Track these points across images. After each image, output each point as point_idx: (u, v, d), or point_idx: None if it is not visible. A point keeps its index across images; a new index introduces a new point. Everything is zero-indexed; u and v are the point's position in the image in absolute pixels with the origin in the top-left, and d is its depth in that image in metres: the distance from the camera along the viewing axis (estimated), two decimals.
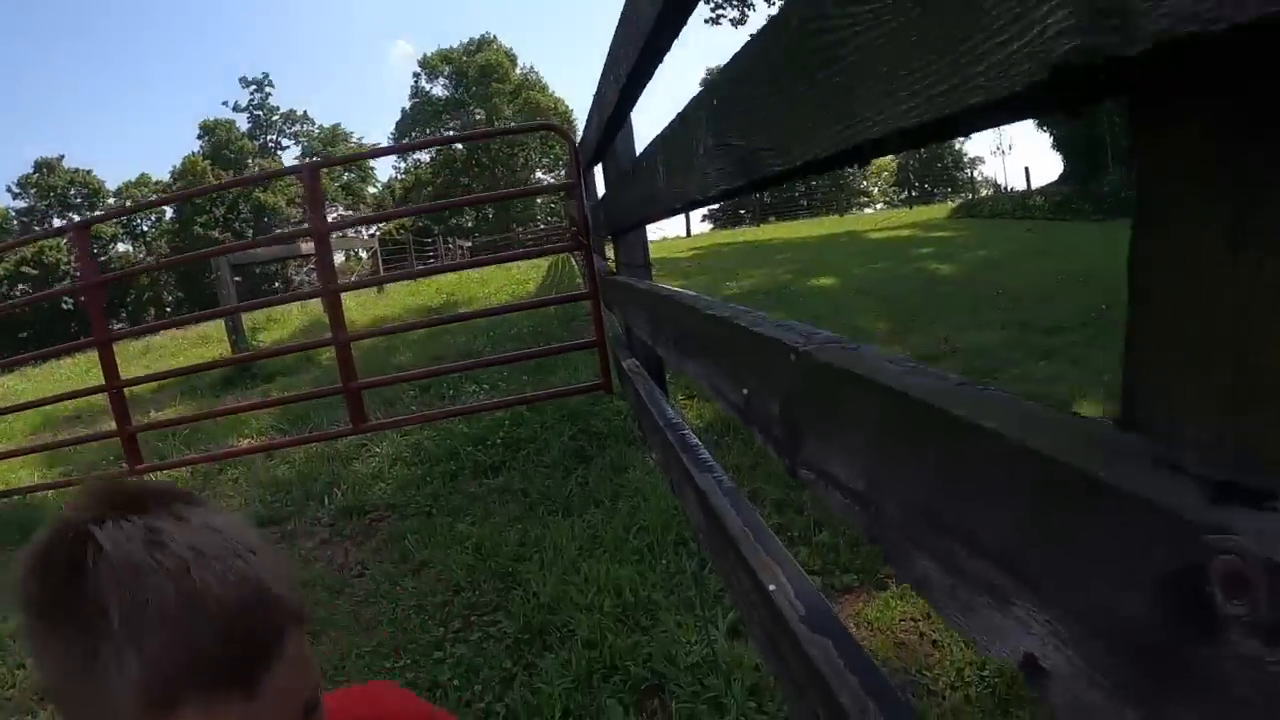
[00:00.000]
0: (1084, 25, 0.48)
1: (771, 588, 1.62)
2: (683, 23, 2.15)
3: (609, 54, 3.04)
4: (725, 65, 1.36)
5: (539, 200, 65.54)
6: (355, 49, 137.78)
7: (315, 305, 11.54)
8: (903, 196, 65.87)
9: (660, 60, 2.53)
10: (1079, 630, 0.55)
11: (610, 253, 5.26)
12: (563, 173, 57.51)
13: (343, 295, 5.21)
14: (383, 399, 6.10)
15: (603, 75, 3.42)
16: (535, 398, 5.23)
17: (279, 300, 7.42)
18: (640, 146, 3.18)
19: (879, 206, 66.48)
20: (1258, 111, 0.43)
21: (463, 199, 32.27)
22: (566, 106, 68.68)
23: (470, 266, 7.35)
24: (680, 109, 1.79)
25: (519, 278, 15.63)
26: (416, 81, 69.67)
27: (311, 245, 5.76)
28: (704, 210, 61.74)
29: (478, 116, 66.48)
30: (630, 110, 3.49)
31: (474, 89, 66.81)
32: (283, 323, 13.57)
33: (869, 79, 0.77)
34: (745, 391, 1.44)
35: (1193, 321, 0.50)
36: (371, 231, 27.96)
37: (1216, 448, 0.49)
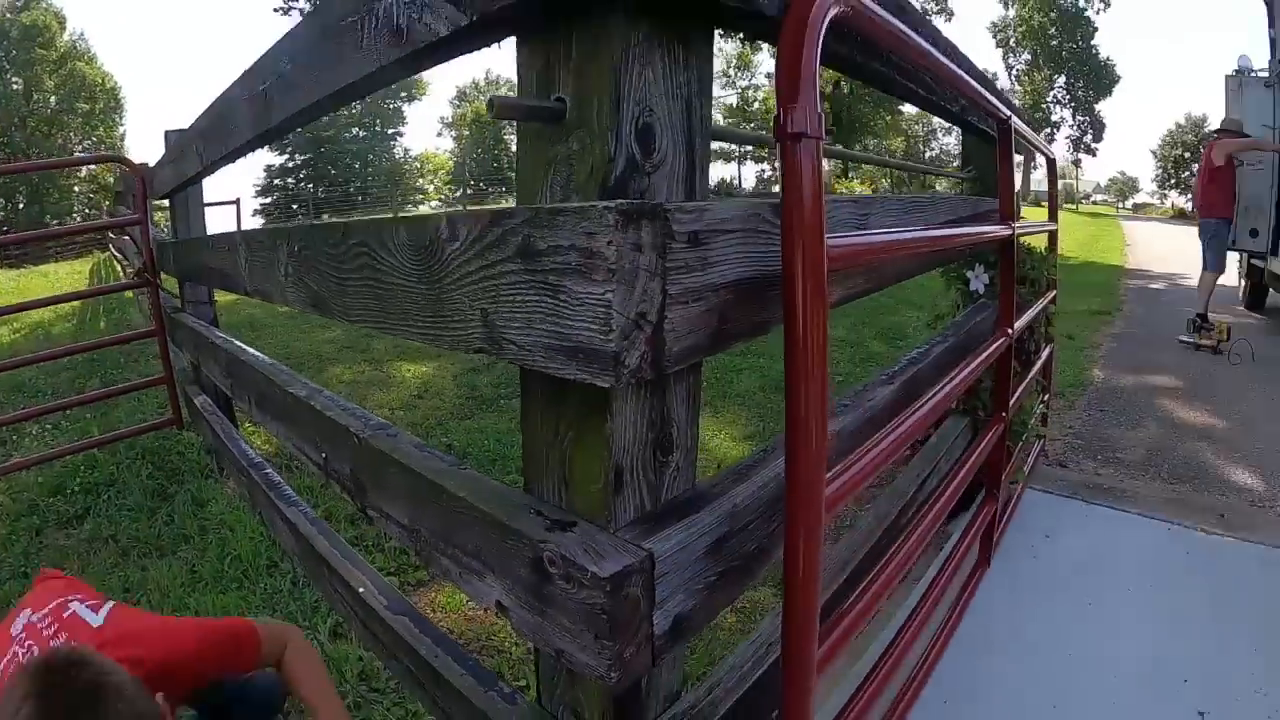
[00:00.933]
0: (487, 339, 1.14)
1: (361, 590, 2.24)
2: (268, 143, 2.62)
3: (199, 123, 3.29)
4: (304, 227, 1.93)
5: (76, 190, 57.97)
6: None
7: None
8: (458, 194, 66.65)
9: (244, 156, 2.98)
10: (513, 586, 1.22)
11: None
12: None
13: None
14: None
15: (187, 136, 3.65)
16: (106, 440, 5.09)
17: None
18: None
19: (434, 204, 66.40)
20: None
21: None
22: (115, 83, 59.55)
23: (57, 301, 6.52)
24: (265, 226, 2.26)
25: (57, 284, 14.24)
26: None
27: None
28: (256, 205, 57.79)
29: (15, 86, 56.64)
30: (209, 175, 3.78)
31: (14, 53, 56.11)
32: None
33: (394, 300, 1.41)
34: (324, 455, 2.02)
35: (544, 455, 1.21)
36: None
37: (555, 505, 1.20)
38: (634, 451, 1.13)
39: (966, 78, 2.09)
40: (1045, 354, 4.05)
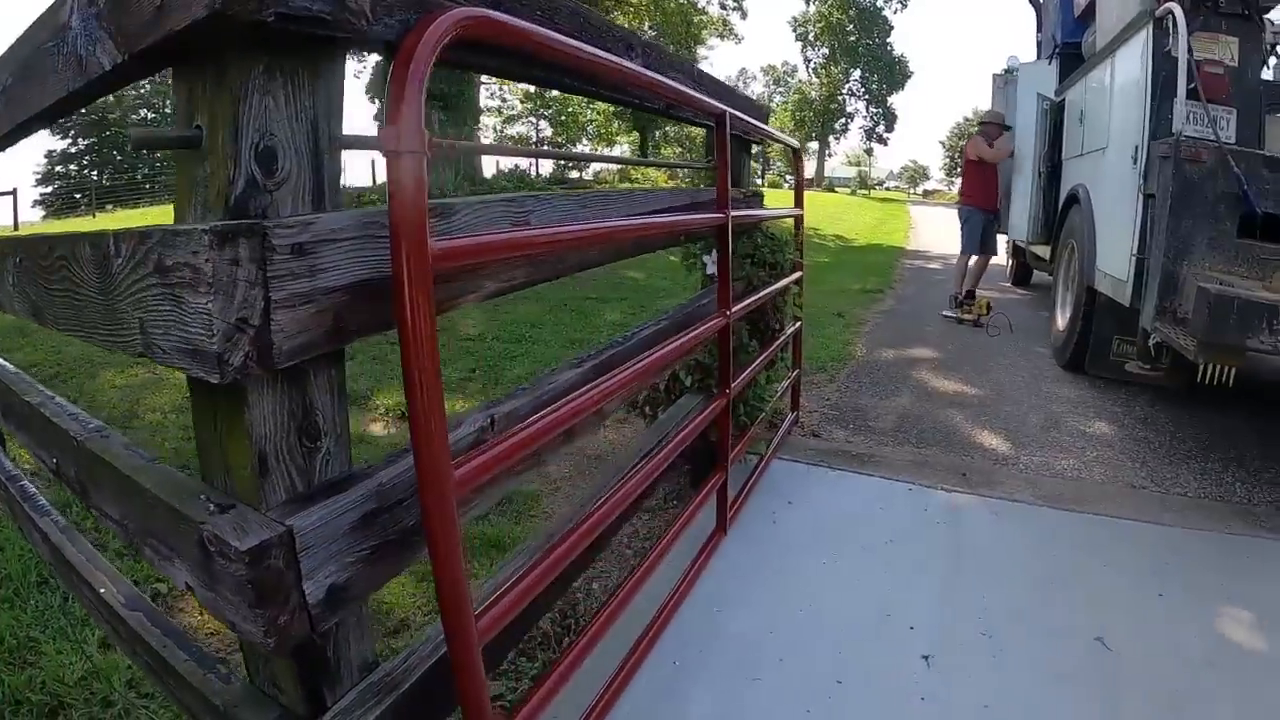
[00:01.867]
0: (145, 345, 1.25)
1: (102, 590, 2.27)
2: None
3: None
4: (27, 238, 1.97)
5: None
6: None
7: None
8: None
9: None
10: (192, 567, 1.31)
11: None
12: None
13: None
14: None
15: None
16: None
17: None
18: None
19: None
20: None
21: None
22: None
23: None
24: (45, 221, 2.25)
25: None
26: None
27: None
28: (36, 195, 53.42)
29: None
30: None
31: None
32: None
33: (86, 310, 1.49)
34: (55, 461, 2.06)
35: (210, 445, 1.32)
36: None
37: (222, 492, 1.31)
38: (277, 439, 1.26)
39: (661, 79, 2.29)
40: (790, 332, 4.37)
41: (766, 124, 3.98)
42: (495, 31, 1.39)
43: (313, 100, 1.24)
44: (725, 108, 2.82)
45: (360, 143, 1.29)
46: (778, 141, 4.33)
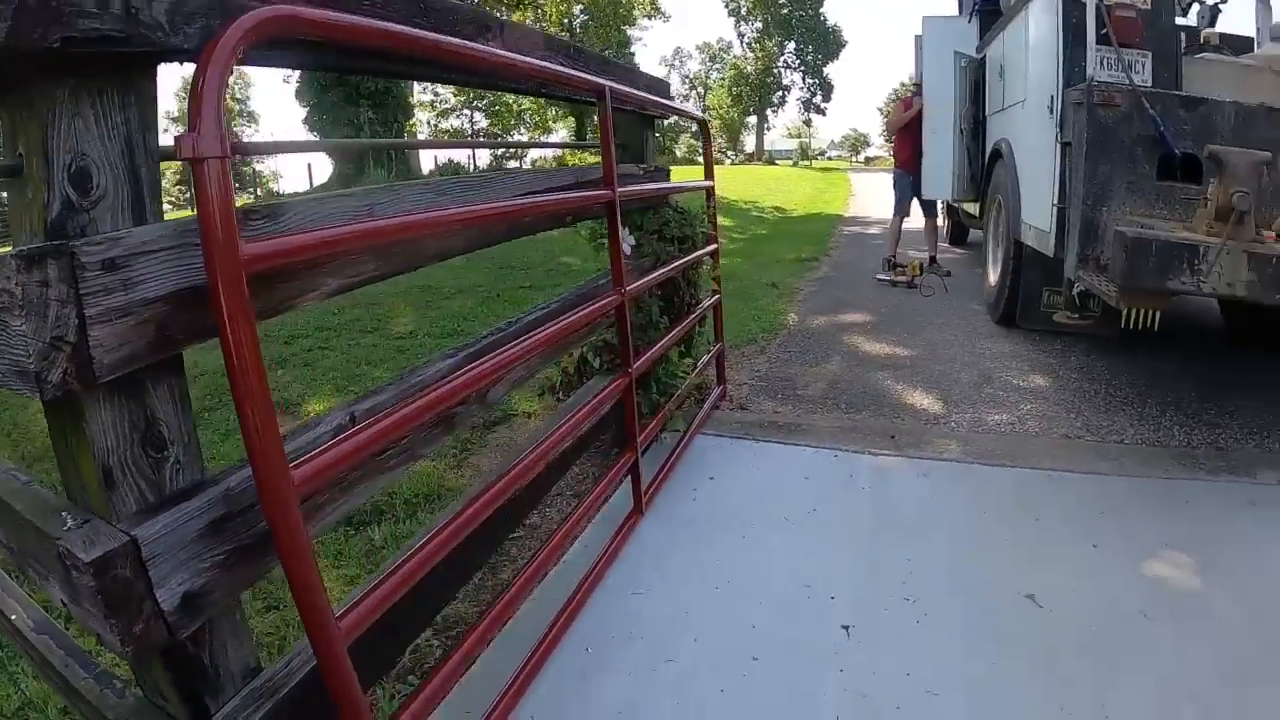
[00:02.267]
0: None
1: (13, 616, 2.28)
2: None
3: None
4: None
5: None
6: None
7: None
8: (188, 196, 64.22)
9: None
10: (60, 584, 1.32)
11: None
12: None
13: None
14: None
15: None
16: None
17: None
18: None
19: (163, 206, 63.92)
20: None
21: None
22: None
23: None
24: None
25: None
26: None
27: None
28: None
29: None
30: None
31: None
32: None
33: None
34: None
35: (66, 462, 1.34)
36: None
37: (83, 508, 1.33)
38: (120, 450, 1.28)
39: (521, 58, 2.29)
40: (707, 305, 4.40)
41: (668, 98, 3.99)
42: (307, 27, 1.38)
43: (124, 116, 1.25)
44: (605, 82, 2.80)
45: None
46: (679, 114, 4.36)
